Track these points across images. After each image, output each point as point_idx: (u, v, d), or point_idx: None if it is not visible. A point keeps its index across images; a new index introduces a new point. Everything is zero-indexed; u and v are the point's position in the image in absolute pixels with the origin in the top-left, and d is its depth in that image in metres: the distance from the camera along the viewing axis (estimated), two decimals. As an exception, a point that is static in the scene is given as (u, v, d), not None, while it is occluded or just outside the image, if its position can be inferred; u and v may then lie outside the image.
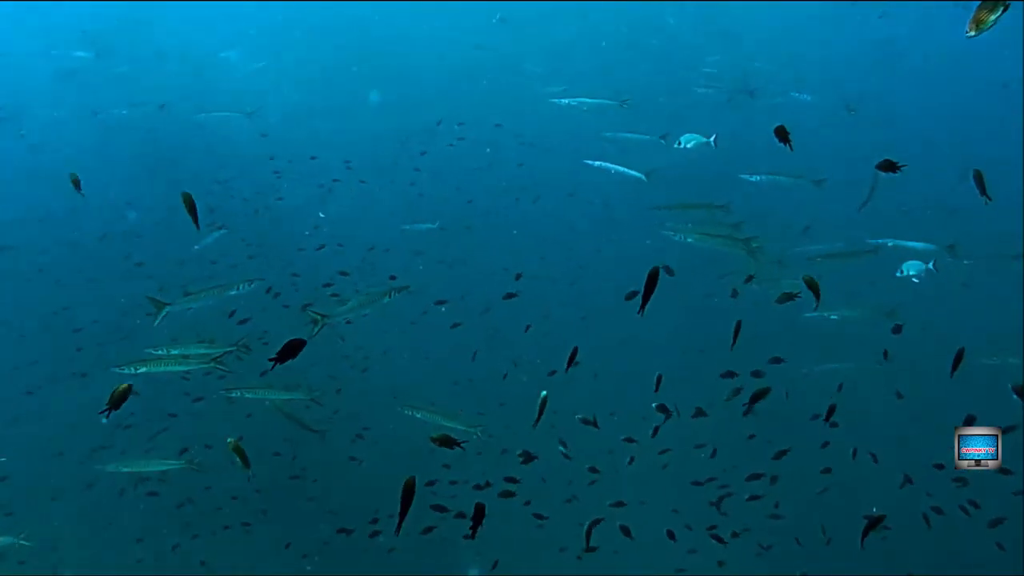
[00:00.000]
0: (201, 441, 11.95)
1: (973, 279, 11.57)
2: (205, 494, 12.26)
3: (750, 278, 10.64)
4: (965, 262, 11.45)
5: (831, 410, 9.86)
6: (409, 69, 21.92)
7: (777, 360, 11.08)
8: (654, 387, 9.64)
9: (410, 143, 18.51)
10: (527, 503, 11.30)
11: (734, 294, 11.13)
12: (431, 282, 14.20)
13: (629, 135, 14.01)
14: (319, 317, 7.91)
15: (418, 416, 8.48)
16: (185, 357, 8.10)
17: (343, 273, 13.81)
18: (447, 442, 6.55)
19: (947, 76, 20.75)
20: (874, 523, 7.77)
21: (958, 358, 7.24)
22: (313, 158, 17.22)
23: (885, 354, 8.68)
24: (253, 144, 17.10)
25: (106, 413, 5.90)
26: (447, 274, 15.31)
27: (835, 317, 11.08)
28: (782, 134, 6.83)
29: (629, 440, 11.41)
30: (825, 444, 11.35)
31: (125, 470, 10.78)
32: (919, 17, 20.41)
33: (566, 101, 13.94)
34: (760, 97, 16.85)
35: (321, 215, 16.21)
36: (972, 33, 4.59)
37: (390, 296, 8.59)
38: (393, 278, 9.32)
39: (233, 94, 18.95)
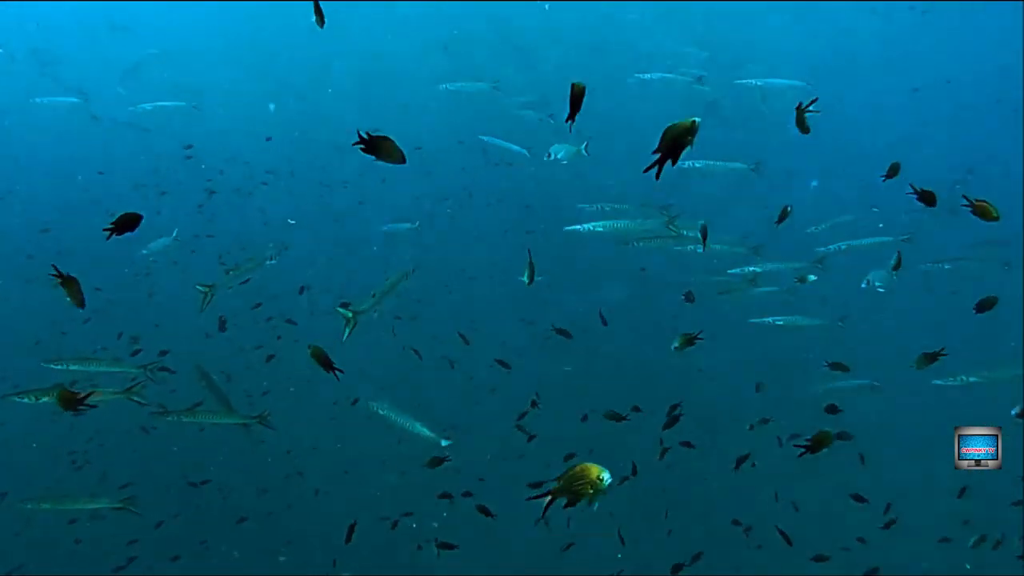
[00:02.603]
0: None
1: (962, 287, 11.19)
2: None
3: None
4: (946, 267, 11.17)
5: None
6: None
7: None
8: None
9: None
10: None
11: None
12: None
13: (530, 113, 15.96)
14: (350, 315, 7.72)
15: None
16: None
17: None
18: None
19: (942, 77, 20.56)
20: None
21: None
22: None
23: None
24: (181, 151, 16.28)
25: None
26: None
27: (780, 323, 10.89)
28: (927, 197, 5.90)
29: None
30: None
31: (47, 507, 9.72)
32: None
33: (444, 86, 15.65)
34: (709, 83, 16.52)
35: (291, 221, 15.74)
36: None
37: (407, 278, 8.67)
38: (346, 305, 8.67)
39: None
